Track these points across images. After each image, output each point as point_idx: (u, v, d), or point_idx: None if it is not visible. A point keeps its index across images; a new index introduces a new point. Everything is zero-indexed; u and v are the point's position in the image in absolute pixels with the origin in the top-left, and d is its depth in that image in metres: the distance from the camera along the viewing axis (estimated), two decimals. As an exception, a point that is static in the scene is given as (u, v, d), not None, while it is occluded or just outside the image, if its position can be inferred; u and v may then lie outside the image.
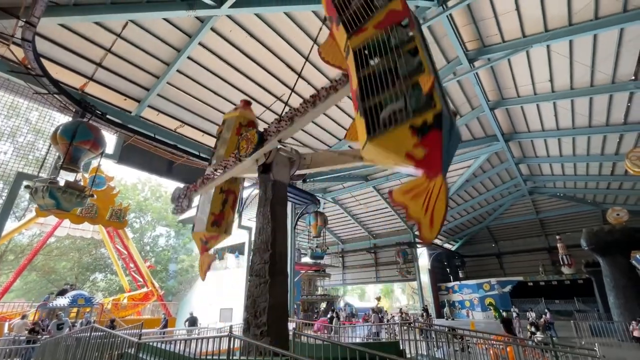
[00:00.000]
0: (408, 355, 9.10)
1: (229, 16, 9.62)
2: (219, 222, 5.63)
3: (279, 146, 4.99)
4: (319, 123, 14.73)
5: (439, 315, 28.52)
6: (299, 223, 19.38)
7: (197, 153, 12.91)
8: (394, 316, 20.57)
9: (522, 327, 14.67)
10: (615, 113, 13.67)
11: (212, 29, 9.92)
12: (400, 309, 23.27)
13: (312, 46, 5.33)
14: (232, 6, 8.82)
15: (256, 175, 5.23)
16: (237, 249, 26.06)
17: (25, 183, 8.36)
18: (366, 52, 3.22)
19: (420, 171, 2.65)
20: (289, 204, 16.90)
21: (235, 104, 6.10)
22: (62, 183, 7.51)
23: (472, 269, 34.82)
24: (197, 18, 9.50)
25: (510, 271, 33.33)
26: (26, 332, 9.93)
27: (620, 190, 22.47)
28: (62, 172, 8.20)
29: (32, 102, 9.54)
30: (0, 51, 8.00)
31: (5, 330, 11.66)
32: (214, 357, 5.12)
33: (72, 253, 31.05)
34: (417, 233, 27.45)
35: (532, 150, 18.93)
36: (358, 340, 13.48)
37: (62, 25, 8.83)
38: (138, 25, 9.43)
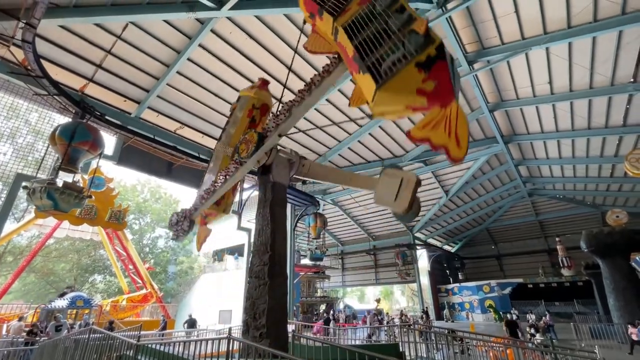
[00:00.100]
0: (408, 358, 9.07)
1: (229, 18, 9.65)
2: (219, 201, 5.64)
3: (279, 144, 4.97)
4: (318, 124, 14.74)
5: (439, 317, 28.46)
6: (298, 224, 19.35)
7: (196, 154, 12.91)
8: (393, 318, 20.52)
9: (522, 330, 14.64)
10: (614, 115, 13.70)
11: (212, 31, 9.94)
12: (401, 311, 23.21)
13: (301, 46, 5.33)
14: (232, 8, 8.85)
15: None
16: (236, 251, 26.03)
17: (23, 184, 8.35)
18: (356, 23, 3.39)
19: (433, 104, 2.83)
20: (289, 206, 16.90)
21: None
22: (60, 184, 7.49)
23: (472, 270, 34.79)
24: (197, 20, 9.52)
25: (510, 273, 33.31)
26: (24, 334, 9.88)
27: (620, 192, 22.48)
28: (61, 173, 8.19)
29: (32, 103, 9.54)
30: (0, 52, 8.01)
31: (4, 332, 11.61)
32: None
33: (71, 254, 30.97)
34: (416, 235, 27.49)
35: (532, 152, 18.96)
36: (358, 342, 13.43)
37: (63, 27, 8.85)
38: (138, 26, 9.45)
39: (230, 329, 11.62)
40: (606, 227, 17.97)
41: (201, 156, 12.96)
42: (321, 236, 20.50)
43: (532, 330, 13.70)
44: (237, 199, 16.23)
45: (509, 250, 34.84)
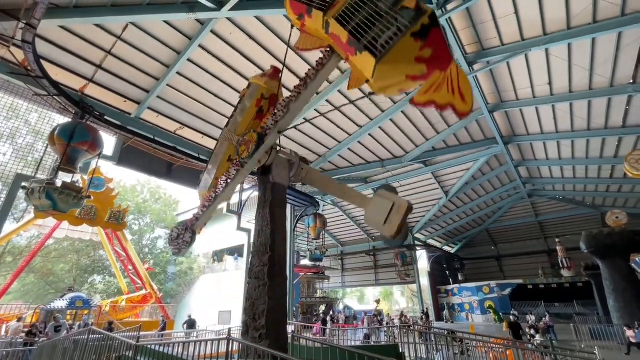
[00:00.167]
0: (408, 359, 9.06)
1: (229, 19, 9.65)
2: None
3: (280, 145, 4.95)
4: (319, 126, 14.76)
5: (439, 318, 28.44)
6: (298, 225, 19.34)
7: (196, 155, 12.90)
8: (393, 319, 20.51)
9: (524, 331, 14.63)
10: (614, 116, 13.71)
11: (212, 32, 9.95)
12: (402, 312, 23.21)
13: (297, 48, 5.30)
14: (233, 9, 8.86)
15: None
16: (236, 251, 26.02)
17: (22, 184, 8.34)
18: (347, 12, 3.52)
19: (433, 70, 3.00)
20: (288, 206, 16.89)
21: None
22: (59, 184, 7.48)
23: (472, 271, 34.77)
24: (198, 20, 9.53)
25: (509, 274, 33.30)
26: (22, 334, 9.87)
27: (620, 193, 22.49)
28: (61, 173, 8.18)
29: (32, 103, 9.54)
30: (0, 53, 8.01)
31: (2, 332, 11.60)
32: (213, 360, 5.08)
33: (71, 255, 30.95)
34: (416, 235, 27.49)
35: (532, 153, 18.97)
36: (358, 343, 13.42)
37: (63, 27, 8.86)
38: (138, 27, 9.45)
39: (229, 329, 11.60)
40: (606, 228, 17.98)
41: (201, 157, 12.95)
42: (321, 237, 20.47)
43: (532, 331, 13.69)
44: (236, 199, 16.26)
45: (509, 251, 34.84)
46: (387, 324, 18.60)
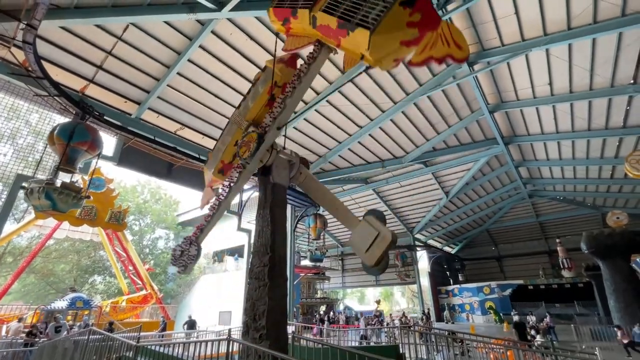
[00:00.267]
0: (408, 359, 9.05)
1: (229, 19, 9.66)
2: (225, 171, 5.54)
3: (281, 147, 4.92)
4: (319, 126, 14.76)
5: (439, 318, 28.41)
6: (298, 225, 19.33)
7: (196, 155, 12.89)
8: (394, 320, 20.52)
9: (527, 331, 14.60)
10: (614, 116, 13.70)
11: (213, 32, 9.95)
12: (403, 312, 23.22)
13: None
14: (233, 9, 8.86)
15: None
16: (236, 252, 26.02)
17: (22, 184, 8.34)
18: (332, 3, 3.74)
19: (424, 32, 3.24)
20: (289, 207, 16.89)
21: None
22: (59, 184, 7.47)
23: (472, 272, 34.74)
24: (198, 21, 9.54)
25: (510, 274, 33.27)
26: (23, 335, 9.87)
27: (620, 194, 22.47)
28: (62, 173, 8.18)
29: (32, 104, 9.55)
30: (1, 53, 8.02)
31: (3, 332, 11.60)
32: (213, 361, 5.08)
33: (71, 255, 30.97)
34: (416, 236, 27.45)
35: (532, 153, 18.96)
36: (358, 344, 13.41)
37: (63, 28, 8.86)
38: (139, 28, 9.46)
39: (230, 330, 11.61)
40: (606, 228, 17.97)
41: (201, 157, 12.94)
42: (321, 237, 20.47)
43: (533, 332, 13.68)
44: (236, 200, 16.26)
45: (510, 251, 34.81)
46: (388, 324, 18.59)
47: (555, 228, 31.03)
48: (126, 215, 17.05)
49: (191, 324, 14.80)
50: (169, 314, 20.39)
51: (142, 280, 20.04)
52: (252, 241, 8.98)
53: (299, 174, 5.10)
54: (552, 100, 13.28)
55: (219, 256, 28.53)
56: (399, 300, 55.54)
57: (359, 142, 16.28)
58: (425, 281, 30.40)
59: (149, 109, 11.83)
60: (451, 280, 32.37)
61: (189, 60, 10.62)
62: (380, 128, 15.36)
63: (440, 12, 9.68)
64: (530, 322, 16.64)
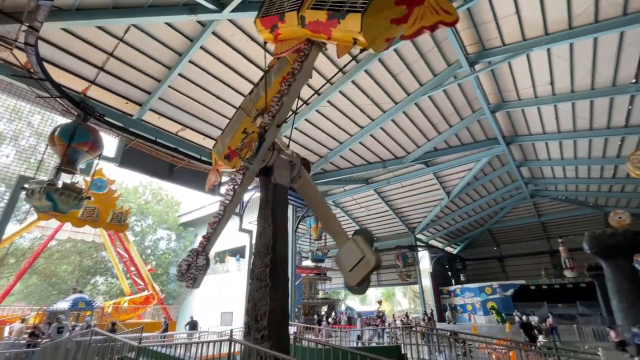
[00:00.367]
0: (410, 360, 9.03)
1: (230, 20, 9.68)
2: (230, 157, 5.57)
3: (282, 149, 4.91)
4: (320, 126, 14.76)
5: (441, 319, 28.35)
6: (300, 226, 19.34)
7: (198, 156, 12.94)
8: (395, 320, 20.52)
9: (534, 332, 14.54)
10: (616, 116, 13.66)
11: (214, 33, 9.97)
12: (406, 313, 23.21)
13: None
14: (234, 10, 8.88)
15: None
16: (238, 252, 26.03)
17: (23, 185, 8.36)
18: (319, 0, 3.88)
19: (412, 7, 3.45)
20: (290, 207, 16.89)
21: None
22: (60, 185, 7.49)
23: (474, 272, 34.67)
24: (199, 22, 9.56)
25: (512, 274, 33.18)
26: (25, 335, 9.90)
27: (623, 193, 22.38)
28: (63, 174, 8.20)
29: (34, 105, 9.59)
30: (3, 55, 8.06)
31: (6, 333, 11.64)
32: (215, 362, 5.08)
33: (73, 256, 31.01)
34: (418, 236, 27.39)
35: (534, 152, 18.91)
36: (359, 344, 13.40)
37: (65, 30, 8.90)
38: (140, 29, 9.49)
39: (231, 331, 11.62)
40: (609, 228, 17.85)
41: (203, 158, 12.98)
42: (323, 237, 20.48)
43: (535, 332, 13.64)
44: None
45: (511, 251, 34.71)
46: (390, 324, 18.57)
47: (557, 228, 30.94)
48: (128, 216, 17.09)
49: (193, 325, 14.82)
50: (170, 314, 20.42)
51: (144, 281, 20.06)
52: (253, 242, 8.99)
53: (298, 177, 5.09)
54: (553, 99, 13.24)
55: (220, 257, 28.54)
56: (400, 301, 55.46)
57: (360, 143, 16.28)
58: (427, 281, 30.35)
59: (151, 110, 11.86)
60: (453, 281, 32.30)
61: (190, 62, 10.65)
62: (381, 128, 15.35)
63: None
64: (533, 323, 16.58)
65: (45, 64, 8.26)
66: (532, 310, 22.09)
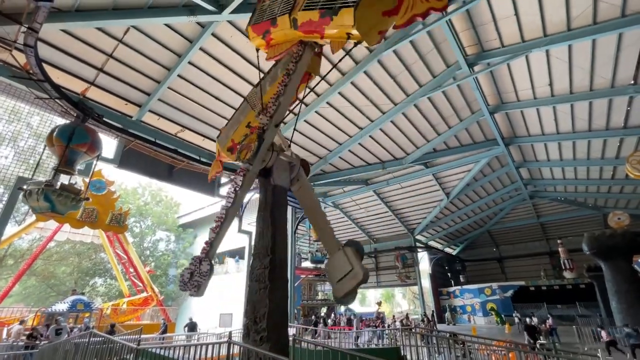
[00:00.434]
0: (409, 361, 9.01)
1: (229, 22, 9.69)
2: (233, 150, 5.55)
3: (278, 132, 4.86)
4: (320, 127, 14.77)
5: (441, 320, 28.32)
6: (299, 227, 19.33)
7: (197, 157, 12.92)
8: (395, 321, 20.49)
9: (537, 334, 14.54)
10: (615, 117, 13.69)
11: (213, 34, 9.98)
12: (407, 314, 23.19)
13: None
14: (233, 12, 8.89)
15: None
16: (237, 254, 25.99)
17: (21, 186, 8.34)
18: (311, 1, 3.97)
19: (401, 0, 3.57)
20: (289, 209, 16.87)
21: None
22: (58, 186, 7.46)
23: (474, 273, 34.65)
24: (198, 23, 9.56)
25: (511, 276, 33.18)
26: (23, 337, 9.86)
27: (622, 194, 22.42)
28: (60, 174, 8.17)
29: (33, 106, 9.58)
30: (2, 57, 8.05)
31: (4, 335, 11.59)
32: (213, 363, 5.07)
33: (72, 258, 30.94)
34: (417, 237, 27.36)
35: (533, 154, 18.94)
36: (360, 346, 13.37)
37: (64, 31, 8.90)
38: (139, 30, 9.49)
39: (230, 332, 11.60)
40: (608, 229, 17.91)
41: (202, 159, 12.97)
42: (322, 239, 20.37)
43: (538, 335, 13.61)
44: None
45: (511, 252, 34.72)
46: (389, 326, 18.55)
47: (557, 229, 30.96)
48: (127, 217, 17.07)
49: (192, 327, 14.77)
50: (169, 316, 20.36)
51: (143, 282, 20.02)
52: (252, 243, 8.96)
53: (296, 180, 5.07)
54: (552, 101, 13.27)
55: (219, 258, 28.49)
56: (400, 302, 55.40)
57: (359, 144, 16.29)
58: (426, 282, 30.32)
59: (150, 111, 11.86)
60: (452, 282, 32.28)
61: (190, 63, 10.65)
62: (380, 129, 15.37)
63: (440, 14, 9.69)
64: (532, 324, 16.55)
65: (45, 65, 8.25)
66: (532, 311, 22.08)
